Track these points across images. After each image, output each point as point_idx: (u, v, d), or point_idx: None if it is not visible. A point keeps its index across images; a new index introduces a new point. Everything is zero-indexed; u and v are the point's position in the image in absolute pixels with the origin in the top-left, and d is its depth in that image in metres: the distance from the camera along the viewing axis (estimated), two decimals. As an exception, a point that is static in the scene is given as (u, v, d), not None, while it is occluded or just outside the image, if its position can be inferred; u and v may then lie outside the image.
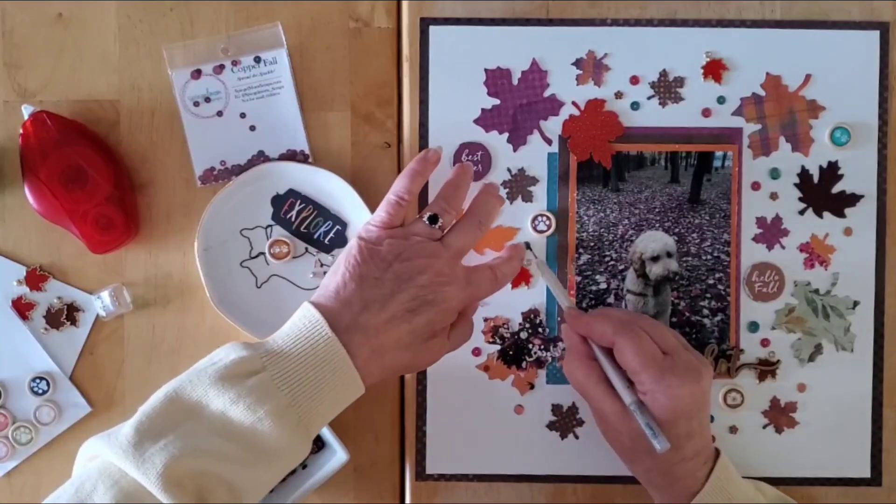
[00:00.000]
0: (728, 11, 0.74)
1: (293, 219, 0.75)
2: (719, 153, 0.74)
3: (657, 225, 0.75)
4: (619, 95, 0.74)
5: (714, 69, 0.74)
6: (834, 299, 0.74)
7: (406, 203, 0.66)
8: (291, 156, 0.74)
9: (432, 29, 0.74)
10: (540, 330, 0.74)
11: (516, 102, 0.74)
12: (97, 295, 0.74)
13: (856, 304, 0.74)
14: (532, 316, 0.74)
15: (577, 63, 0.74)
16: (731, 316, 0.75)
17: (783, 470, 0.75)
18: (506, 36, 0.74)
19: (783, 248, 0.75)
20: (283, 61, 0.74)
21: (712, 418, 0.74)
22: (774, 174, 0.74)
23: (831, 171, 0.74)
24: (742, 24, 0.74)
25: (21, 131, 0.71)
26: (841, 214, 0.74)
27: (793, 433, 0.75)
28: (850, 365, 0.74)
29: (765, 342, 0.75)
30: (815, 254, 0.74)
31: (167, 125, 0.74)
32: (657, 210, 0.75)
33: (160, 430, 0.55)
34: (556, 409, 0.75)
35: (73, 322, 0.74)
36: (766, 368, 0.74)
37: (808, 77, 0.74)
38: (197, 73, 0.74)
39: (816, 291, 0.75)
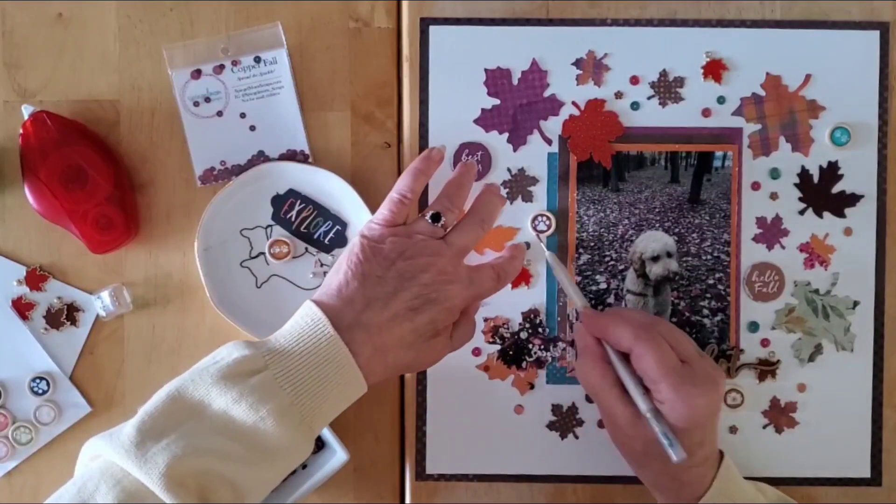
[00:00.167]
0: (728, 11, 0.74)
1: (293, 219, 0.75)
2: (719, 153, 0.74)
3: (657, 225, 0.75)
4: (619, 95, 0.74)
5: (714, 69, 0.74)
6: (834, 299, 0.74)
7: (409, 201, 0.66)
8: (291, 156, 0.74)
9: (432, 29, 0.74)
10: (540, 330, 0.74)
11: (516, 102, 0.74)
12: (97, 295, 0.74)
13: (856, 304, 0.74)
14: (532, 316, 0.74)
15: (577, 63, 0.74)
16: (731, 316, 0.75)
17: (783, 470, 0.75)
18: (506, 36, 0.74)
19: (783, 248, 0.75)
20: (283, 61, 0.74)
21: (712, 418, 0.74)
22: (774, 174, 0.74)
23: (831, 171, 0.74)
24: (742, 24, 0.74)
25: (21, 131, 0.71)
26: (841, 214, 0.74)
27: (793, 433, 0.75)
28: (850, 365, 0.74)
29: (765, 342, 0.75)
30: (815, 254, 0.75)
31: (167, 125, 0.74)
32: (657, 210, 0.75)
33: (162, 430, 0.55)
34: (556, 409, 0.75)
35: (73, 322, 0.74)
36: (766, 368, 0.75)
37: (808, 77, 0.74)
38: (197, 73, 0.74)
39: (816, 291, 0.75)
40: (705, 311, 0.75)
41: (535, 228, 0.74)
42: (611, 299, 0.75)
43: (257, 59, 0.74)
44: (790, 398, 0.75)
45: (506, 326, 0.75)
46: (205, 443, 0.55)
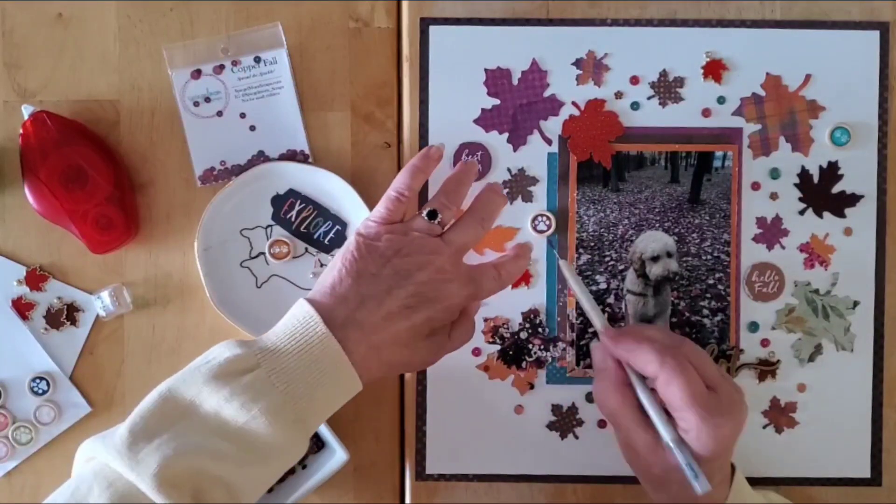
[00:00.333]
0: (728, 11, 0.74)
1: (293, 219, 0.75)
2: (719, 153, 0.74)
3: (657, 225, 0.75)
4: (619, 95, 0.74)
5: (714, 69, 0.74)
6: (834, 299, 0.74)
7: (406, 199, 0.65)
8: (291, 156, 0.74)
9: (432, 29, 0.74)
10: (540, 330, 0.74)
11: (516, 102, 0.74)
12: (97, 295, 0.74)
13: (856, 304, 0.74)
14: (532, 316, 0.74)
15: (577, 63, 0.74)
16: (731, 316, 0.75)
17: (783, 470, 0.75)
18: (506, 36, 0.74)
19: (783, 248, 0.75)
20: (283, 61, 0.74)
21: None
22: (774, 174, 0.74)
23: (831, 171, 0.74)
24: (742, 24, 0.74)
25: (21, 131, 0.71)
26: (841, 214, 0.75)
27: (793, 433, 0.75)
28: (850, 365, 0.74)
29: (765, 342, 0.75)
30: (815, 254, 0.75)
31: (167, 125, 0.74)
32: (657, 210, 0.75)
33: (154, 431, 0.54)
34: (556, 409, 0.75)
35: (73, 322, 0.74)
36: (766, 368, 0.75)
37: (808, 77, 0.74)
38: (197, 73, 0.74)
39: (816, 291, 0.75)
40: (705, 311, 0.75)
41: (535, 228, 0.74)
42: (611, 299, 0.75)
43: (257, 59, 0.74)
44: (790, 398, 0.75)
45: (506, 326, 0.75)
46: (197, 443, 0.54)
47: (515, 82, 0.74)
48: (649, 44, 0.74)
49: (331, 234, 0.75)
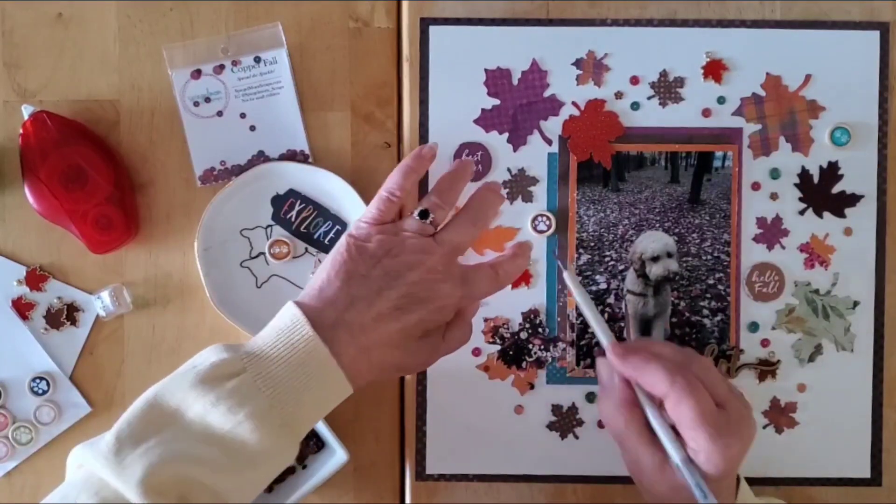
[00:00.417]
0: (728, 11, 0.74)
1: (293, 219, 0.75)
2: (719, 153, 0.74)
3: (657, 225, 0.75)
4: (619, 95, 0.74)
5: (714, 69, 0.74)
6: (834, 299, 0.74)
7: (398, 199, 0.64)
8: (291, 156, 0.74)
9: (432, 29, 0.74)
10: (540, 330, 0.74)
11: (516, 102, 0.74)
12: (97, 295, 0.74)
13: (856, 304, 0.74)
14: (532, 316, 0.74)
15: (577, 63, 0.74)
16: (731, 316, 0.75)
17: (783, 470, 0.75)
18: (506, 36, 0.74)
19: (783, 248, 0.75)
20: (283, 61, 0.74)
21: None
22: (774, 174, 0.74)
23: (831, 171, 0.74)
24: (742, 24, 0.74)
25: (21, 131, 0.71)
26: (841, 214, 0.74)
27: (793, 433, 0.75)
28: (850, 365, 0.74)
29: (765, 342, 0.75)
30: (815, 254, 0.75)
31: (167, 125, 0.74)
32: (657, 210, 0.75)
33: (140, 437, 0.53)
34: (556, 409, 0.75)
35: (73, 322, 0.74)
36: (766, 368, 0.75)
37: (808, 77, 0.74)
38: (197, 73, 0.74)
39: (816, 291, 0.75)
40: (705, 312, 0.75)
41: (535, 228, 0.74)
42: (611, 299, 0.75)
43: (257, 59, 0.74)
44: (790, 398, 0.75)
45: (506, 326, 0.75)
46: (183, 449, 0.53)
47: (515, 82, 0.74)
48: (649, 44, 0.74)
49: (331, 235, 0.75)
